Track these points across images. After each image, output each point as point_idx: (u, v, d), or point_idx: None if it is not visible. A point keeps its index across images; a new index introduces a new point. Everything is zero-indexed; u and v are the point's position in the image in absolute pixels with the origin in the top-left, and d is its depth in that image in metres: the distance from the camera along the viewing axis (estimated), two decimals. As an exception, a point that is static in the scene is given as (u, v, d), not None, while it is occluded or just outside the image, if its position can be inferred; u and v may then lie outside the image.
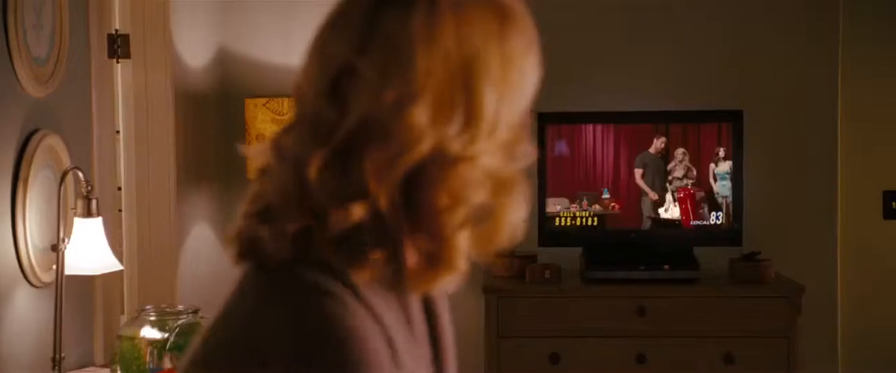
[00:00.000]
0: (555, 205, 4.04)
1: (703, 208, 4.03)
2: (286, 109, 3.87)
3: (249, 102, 3.97)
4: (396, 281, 1.10)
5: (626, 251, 4.01)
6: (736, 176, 4.01)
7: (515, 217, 1.15)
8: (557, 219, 4.04)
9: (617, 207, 4.04)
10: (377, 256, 1.08)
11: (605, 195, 4.04)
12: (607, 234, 4.04)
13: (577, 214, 4.05)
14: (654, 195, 4.02)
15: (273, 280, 1.08)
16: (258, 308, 1.07)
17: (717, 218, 4.02)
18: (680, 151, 4.03)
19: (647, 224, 4.03)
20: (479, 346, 3.94)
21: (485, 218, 1.12)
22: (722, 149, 4.02)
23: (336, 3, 1.16)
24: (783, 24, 4.27)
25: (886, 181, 4.25)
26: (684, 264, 3.95)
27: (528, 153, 1.17)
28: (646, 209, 4.03)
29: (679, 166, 4.03)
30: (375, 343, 1.06)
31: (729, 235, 4.01)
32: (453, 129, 1.09)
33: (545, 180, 4.03)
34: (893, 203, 4.24)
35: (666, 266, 3.94)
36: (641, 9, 4.29)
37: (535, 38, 1.17)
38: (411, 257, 1.10)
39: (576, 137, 4.05)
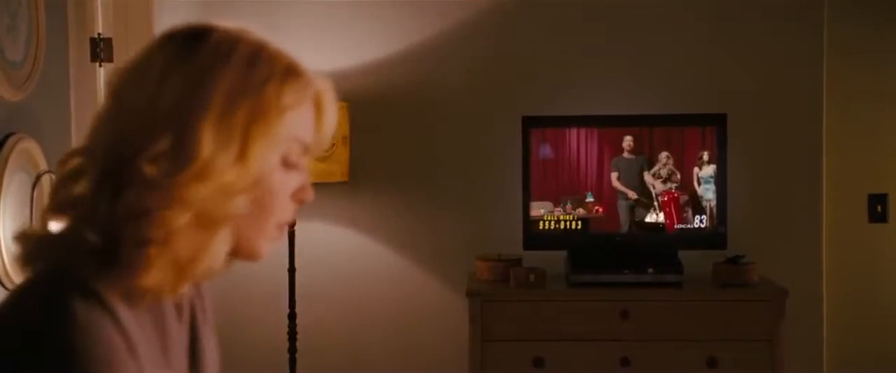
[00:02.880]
0: (539, 208, 4.04)
1: (686, 212, 4.02)
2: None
3: (233, 106, 3.96)
4: (133, 296, 1.17)
5: (611, 255, 4.00)
6: (720, 179, 4.00)
7: (214, 254, 1.19)
8: (541, 222, 4.04)
9: (601, 210, 4.04)
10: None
11: (589, 199, 4.03)
12: (591, 237, 4.04)
13: (562, 217, 4.04)
14: (632, 194, 4.02)
15: (37, 291, 1.16)
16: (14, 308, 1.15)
17: (700, 221, 4.01)
18: (664, 154, 4.03)
19: (625, 227, 4.02)
20: (463, 350, 3.94)
21: (184, 249, 1.16)
22: (706, 152, 4.02)
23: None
24: (767, 27, 4.27)
25: (871, 184, 4.25)
26: (668, 268, 3.94)
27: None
28: (624, 212, 4.03)
29: (663, 170, 4.03)
30: (112, 345, 1.12)
31: (713, 238, 4.00)
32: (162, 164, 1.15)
33: (529, 184, 4.03)
34: (879, 206, 4.24)
35: (650, 270, 3.94)
36: (625, 12, 4.29)
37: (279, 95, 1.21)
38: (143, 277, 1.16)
39: (560, 141, 4.04)
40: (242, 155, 1.16)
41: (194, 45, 1.22)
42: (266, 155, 1.19)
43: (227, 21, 1.28)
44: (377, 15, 4.33)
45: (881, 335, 4.26)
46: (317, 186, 4.24)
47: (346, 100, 4.07)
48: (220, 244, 1.18)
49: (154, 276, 1.15)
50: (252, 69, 1.20)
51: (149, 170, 1.13)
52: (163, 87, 1.17)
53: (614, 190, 4.03)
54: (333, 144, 3.92)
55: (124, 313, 1.16)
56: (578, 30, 4.31)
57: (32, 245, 1.20)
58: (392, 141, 4.37)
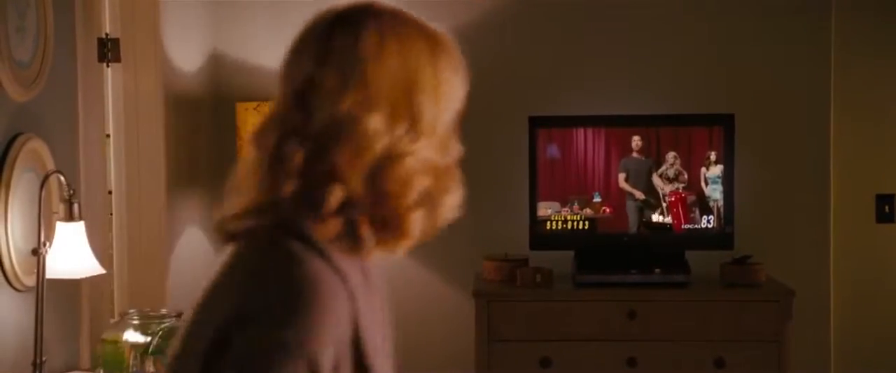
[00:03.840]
0: (546, 209, 4.04)
1: (694, 212, 4.02)
2: (277, 113, 3.86)
3: (240, 106, 3.97)
4: (356, 245, 1.38)
5: (618, 255, 4.00)
6: (727, 179, 4.00)
7: (453, 199, 1.43)
8: (549, 223, 4.04)
9: (608, 210, 4.03)
10: (339, 226, 1.36)
11: (597, 199, 4.03)
12: (598, 237, 4.04)
13: (569, 217, 4.04)
14: (640, 194, 4.02)
15: (261, 251, 1.35)
16: (253, 275, 1.34)
17: (708, 222, 4.01)
18: (671, 154, 4.02)
19: (633, 228, 4.02)
20: (469, 350, 3.93)
21: (429, 199, 1.40)
22: (713, 152, 4.01)
23: (298, 31, 1.45)
24: (775, 27, 4.26)
25: (879, 184, 4.24)
26: (675, 268, 3.94)
27: (456, 149, 1.45)
28: (632, 213, 4.03)
29: (670, 170, 4.02)
30: (340, 296, 1.33)
31: (720, 238, 4.00)
32: (400, 131, 1.37)
33: (536, 184, 4.03)
34: (886, 207, 4.23)
35: (657, 270, 3.94)
36: (631, 12, 4.29)
37: (460, 62, 1.45)
38: (367, 229, 1.38)
39: (567, 141, 4.04)
40: (440, 119, 1.42)
41: (402, 31, 1.41)
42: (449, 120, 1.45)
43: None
44: (384, 15, 4.33)
45: (889, 336, 4.25)
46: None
47: (352, 100, 4.06)
48: (452, 195, 1.43)
49: (413, 228, 1.39)
50: (440, 50, 1.43)
51: (385, 138, 1.36)
52: (378, 68, 1.37)
53: (622, 190, 4.03)
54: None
55: (337, 256, 1.35)
56: (585, 30, 4.31)
57: (243, 216, 1.38)
58: (399, 141, 4.36)
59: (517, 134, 4.17)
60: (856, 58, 4.22)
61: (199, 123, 4.18)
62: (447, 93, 1.42)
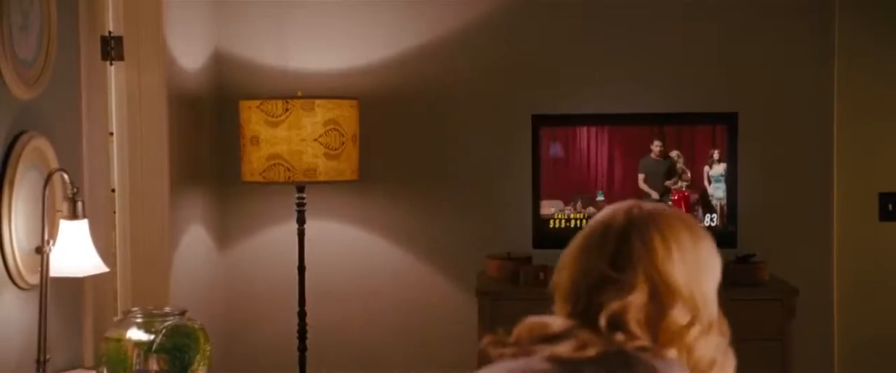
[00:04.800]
0: (549, 207, 4.04)
1: (697, 211, 4.02)
2: (280, 111, 3.86)
3: (243, 104, 3.97)
4: None
5: (621, 253, 3.99)
6: (730, 178, 4.00)
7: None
8: (552, 221, 4.04)
9: (611, 209, 4.03)
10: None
11: (600, 197, 4.03)
12: (602, 236, 4.03)
13: (572, 216, 4.04)
14: (655, 195, 4.02)
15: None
16: None
17: (711, 220, 4.01)
18: (674, 153, 4.02)
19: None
20: (472, 348, 3.93)
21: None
22: (716, 151, 4.01)
23: (590, 228, 1.72)
24: (778, 25, 4.26)
25: (883, 183, 4.24)
26: (678, 267, 3.93)
27: (725, 331, 1.74)
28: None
29: (673, 168, 4.02)
30: None
31: (723, 237, 3.99)
32: (701, 322, 1.63)
33: (539, 183, 4.03)
34: (890, 205, 4.23)
35: (660, 268, 3.92)
36: (635, 11, 4.29)
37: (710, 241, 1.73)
38: None
39: (570, 140, 4.04)
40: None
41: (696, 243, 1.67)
42: None
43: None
44: (387, 14, 4.33)
45: (892, 333, 4.25)
46: (326, 184, 4.23)
47: (355, 98, 4.07)
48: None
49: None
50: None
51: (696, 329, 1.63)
52: (699, 273, 1.65)
53: (630, 189, 4.02)
54: (343, 143, 3.92)
55: None
56: (588, 28, 4.31)
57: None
58: (402, 140, 4.37)
59: (520, 132, 4.17)
60: (859, 56, 4.22)
61: (202, 120, 4.19)
62: (713, 275, 1.71)
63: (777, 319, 3.84)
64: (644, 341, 1.58)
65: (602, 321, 1.59)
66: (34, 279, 2.67)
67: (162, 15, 3.60)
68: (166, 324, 2.72)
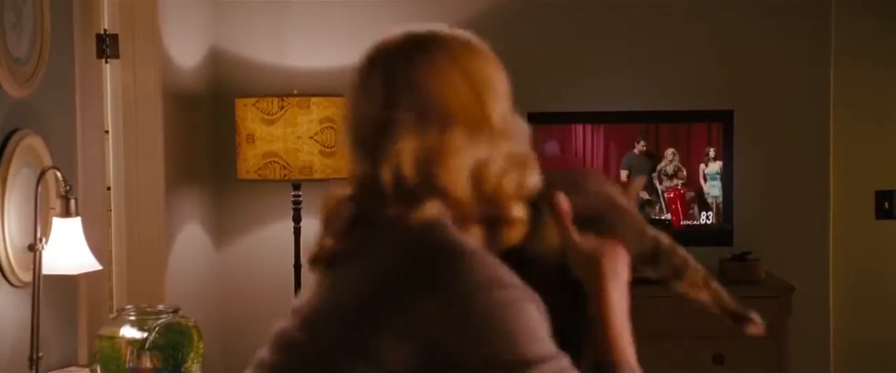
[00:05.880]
0: (545, 205, 4.03)
1: (692, 208, 4.02)
2: (276, 109, 3.86)
3: (240, 102, 3.97)
4: (492, 240, 1.53)
5: (616, 251, 3.99)
6: (726, 176, 4.00)
7: (534, 180, 1.56)
8: (548, 219, 4.03)
9: (607, 206, 4.03)
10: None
11: (596, 195, 4.02)
12: (597, 234, 4.03)
13: (568, 213, 4.03)
14: (642, 193, 4.02)
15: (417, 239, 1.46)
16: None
17: (707, 218, 4.01)
18: (670, 151, 4.02)
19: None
20: (468, 346, 3.93)
21: (520, 187, 1.53)
22: (712, 149, 4.01)
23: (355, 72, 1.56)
24: (774, 23, 4.26)
25: (879, 181, 4.24)
26: (674, 264, 3.93)
27: (525, 132, 1.61)
28: (632, 210, 4.03)
29: (669, 166, 4.02)
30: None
31: (719, 235, 4.00)
32: (484, 138, 1.51)
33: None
34: (886, 203, 4.23)
35: (656, 266, 3.92)
36: (631, 9, 4.28)
37: (497, 60, 1.63)
38: (477, 228, 1.52)
39: (566, 138, 4.04)
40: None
41: (470, 50, 1.60)
42: None
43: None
44: (383, 11, 4.33)
45: (888, 332, 4.25)
46: (323, 182, 4.22)
47: (351, 96, 4.06)
48: (535, 173, 1.58)
49: (515, 212, 1.52)
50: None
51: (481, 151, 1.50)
52: (455, 85, 1.53)
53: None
54: (339, 140, 3.92)
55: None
56: (584, 26, 4.30)
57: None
58: (398, 137, 4.36)
59: (516, 130, 4.16)
60: (855, 54, 4.22)
61: (198, 119, 4.19)
62: (501, 91, 1.61)
63: (773, 317, 3.82)
64: None
65: None
66: (27, 277, 2.68)
67: (157, 12, 3.60)
68: (160, 321, 2.72)
